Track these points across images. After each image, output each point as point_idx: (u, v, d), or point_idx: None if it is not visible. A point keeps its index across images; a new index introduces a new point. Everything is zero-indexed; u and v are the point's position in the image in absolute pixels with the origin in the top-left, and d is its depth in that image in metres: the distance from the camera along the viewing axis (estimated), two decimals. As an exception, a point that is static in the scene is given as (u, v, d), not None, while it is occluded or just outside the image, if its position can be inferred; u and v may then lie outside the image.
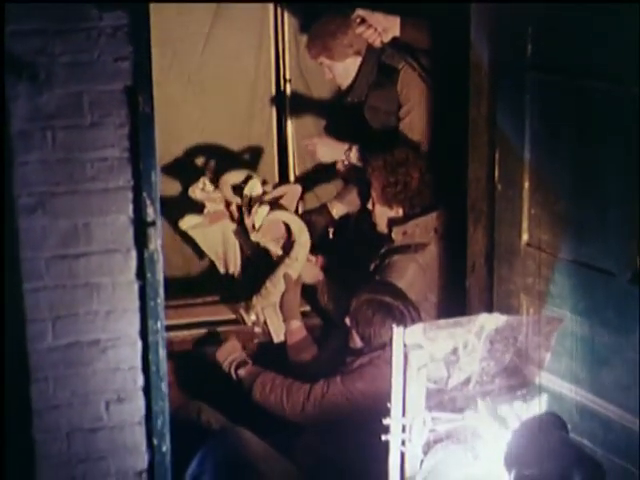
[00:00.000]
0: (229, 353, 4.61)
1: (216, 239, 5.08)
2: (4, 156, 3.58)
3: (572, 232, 3.90)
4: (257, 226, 4.84)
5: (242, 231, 5.01)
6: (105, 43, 3.59)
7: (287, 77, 5.75)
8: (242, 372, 4.52)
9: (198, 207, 5.05)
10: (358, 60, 5.06)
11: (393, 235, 4.81)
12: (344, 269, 5.07)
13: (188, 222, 4.97)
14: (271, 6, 5.66)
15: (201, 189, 4.96)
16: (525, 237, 4.10)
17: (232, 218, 5.03)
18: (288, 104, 5.76)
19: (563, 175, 3.91)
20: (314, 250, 4.96)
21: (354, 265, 5.08)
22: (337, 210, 5.19)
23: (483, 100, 4.21)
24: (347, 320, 4.41)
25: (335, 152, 5.16)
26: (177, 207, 5.14)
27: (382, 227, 4.89)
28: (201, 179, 4.98)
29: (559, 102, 3.89)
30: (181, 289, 5.27)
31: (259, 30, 5.66)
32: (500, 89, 4.14)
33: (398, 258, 4.74)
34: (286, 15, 5.65)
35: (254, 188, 4.95)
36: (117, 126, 3.65)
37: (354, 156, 5.12)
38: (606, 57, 3.66)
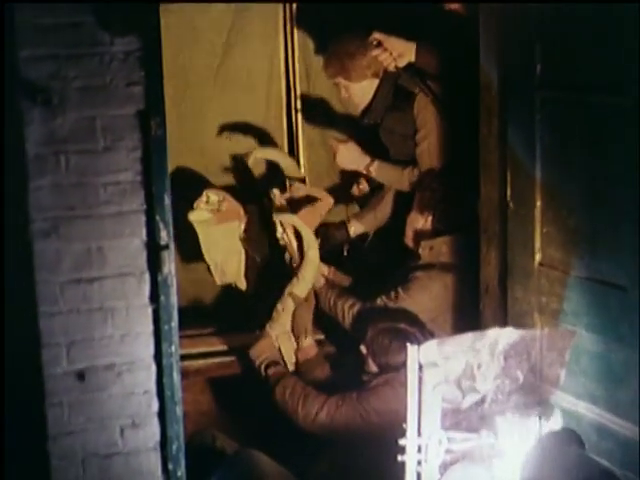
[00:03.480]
0: (262, 352, 4.67)
1: (217, 244, 5.06)
2: (13, 180, 3.61)
3: (585, 249, 3.89)
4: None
5: (250, 236, 5.02)
6: (117, 68, 3.63)
7: (298, 107, 5.78)
8: (271, 371, 4.59)
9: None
10: (375, 82, 5.07)
11: (420, 250, 4.80)
12: (360, 282, 5.06)
13: (197, 215, 4.94)
14: (282, 36, 5.69)
15: (205, 202, 4.96)
16: (538, 256, 4.09)
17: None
18: (299, 133, 5.78)
19: (575, 192, 3.90)
20: (327, 261, 4.98)
21: (373, 278, 5.06)
22: (355, 229, 5.23)
23: (493, 120, 4.21)
24: (363, 348, 4.43)
25: (356, 162, 5.16)
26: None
27: (409, 239, 4.89)
28: (204, 192, 4.98)
29: (569, 119, 3.89)
30: (195, 318, 5.27)
31: (269, 61, 5.70)
32: (510, 108, 4.15)
33: (422, 274, 4.73)
34: (296, 45, 5.69)
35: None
36: (130, 150, 3.69)
37: (375, 170, 5.12)
38: (615, 72, 3.66)
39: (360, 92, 5.10)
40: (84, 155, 3.65)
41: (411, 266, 4.82)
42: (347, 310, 4.77)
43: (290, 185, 5.10)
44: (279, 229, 4.90)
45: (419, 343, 4.14)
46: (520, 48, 4.07)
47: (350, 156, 5.16)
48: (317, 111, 5.74)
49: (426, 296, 4.66)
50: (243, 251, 5.10)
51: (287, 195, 5.05)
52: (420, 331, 4.34)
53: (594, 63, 3.76)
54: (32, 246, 3.63)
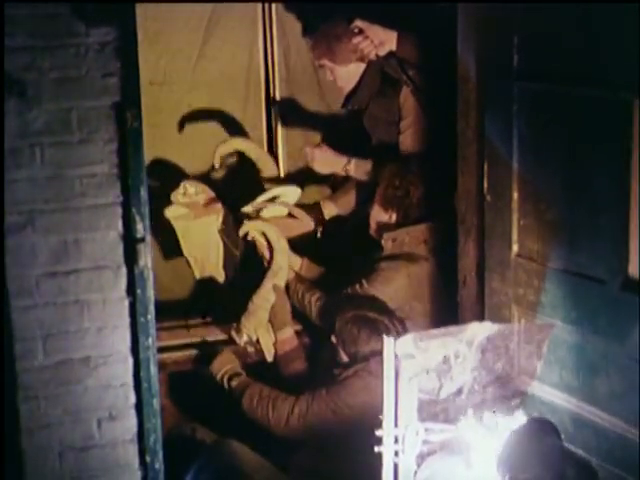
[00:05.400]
0: (223, 365, 4.63)
1: (197, 238, 5.04)
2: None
3: (562, 241, 3.89)
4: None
5: (228, 229, 5.00)
6: (93, 59, 3.61)
7: (277, 99, 5.77)
8: (234, 383, 4.55)
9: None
10: (361, 67, 5.06)
11: (383, 242, 4.81)
12: (329, 272, 5.07)
13: (174, 212, 4.93)
14: (260, 25, 5.68)
15: (183, 194, 4.94)
16: (515, 248, 4.10)
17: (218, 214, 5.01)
18: (279, 122, 5.77)
19: (552, 184, 3.90)
20: (298, 251, 4.98)
21: (340, 269, 5.07)
22: (329, 210, 5.21)
23: (471, 112, 4.22)
24: (333, 338, 4.42)
25: (333, 165, 5.15)
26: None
27: (373, 231, 4.89)
28: (181, 184, 4.95)
29: (546, 111, 3.90)
30: (172, 311, 5.26)
31: (249, 49, 5.69)
32: (488, 100, 4.15)
33: (386, 266, 4.74)
34: (275, 36, 5.68)
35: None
36: (106, 142, 3.66)
37: (353, 169, 5.12)
38: (593, 64, 3.67)
39: (346, 75, 5.09)
40: (60, 147, 3.63)
41: (375, 258, 4.82)
42: (314, 303, 4.77)
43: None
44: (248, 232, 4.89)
45: (388, 331, 4.18)
46: (498, 39, 4.07)
47: (326, 160, 5.15)
48: (294, 107, 5.74)
49: (390, 287, 4.66)
50: (221, 244, 5.08)
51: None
52: (389, 319, 4.34)
53: (572, 54, 3.76)
54: (6, 239, 3.61)
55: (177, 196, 4.92)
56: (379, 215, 4.86)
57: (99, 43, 3.60)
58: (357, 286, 4.72)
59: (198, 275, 5.11)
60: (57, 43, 3.56)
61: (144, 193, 3.71)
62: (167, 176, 5.33)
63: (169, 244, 5.15)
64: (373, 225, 4.90)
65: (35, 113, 3.58)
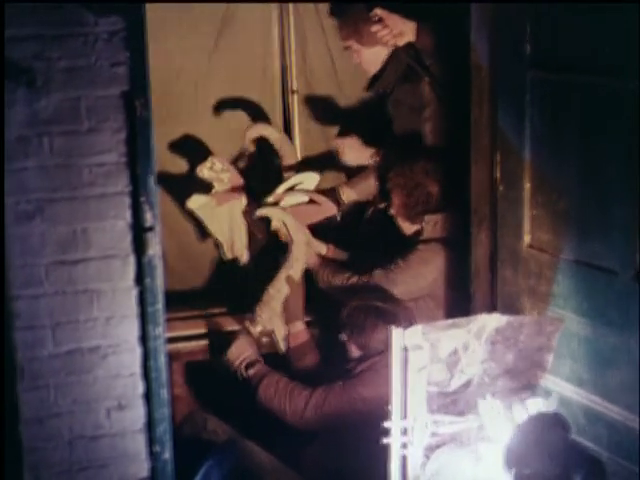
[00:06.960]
0: (240, 352, 4.61)
1: (223, 221, 5.02)
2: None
3: (574, 232, 3.87)
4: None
5: (251, 213, 4.99)
6: (101, 48, 3.61)
7: (294, 88, 5.75)
8: (251, 372, 4.53)
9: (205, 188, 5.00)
10: (387, 50, 5.04)
11: (424, 224, 4.77)
12: (356, 254, 5.05)
13: (196, 202, 4.91)
14: (277, 17, 5.65)
15: (209, 168, 4.91)
16: (527, 238, 4.07)
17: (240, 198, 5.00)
18: (295, 115, 5.75)
19: (564, 175, 3.87)
20: (322, 238, 4.99)
21: (368, 251, 5.05)
22: (347, 195, 5.16)
23: (485, 102, 4.19)
24: (343, 336, 4.40)
25: (361, 156, 5.13)
26: (185, 188, 5.07)
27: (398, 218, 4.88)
28: (209, 158, 4.93)
29: (559, 100, 3.87)
30: (188, 301, 5.27)
31: (265, 42, 5.65)
32: (501, 90, 4.13)
33: (423, 248, 4.71)
34: (292, 26, 5.65)
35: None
36: (114, 131, 3.66)
37: (379, 160, 5.08)
38: (606, 52, 3.63)
39: (372, 58, 5.06)
40: (68, 136, 3.63)
41: (414, 239, 4.79)
42: (343, 283, 4.74)
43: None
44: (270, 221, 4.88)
45: (395, 319, 4.15)
46: (511, 28, 4.03)
47: (355, 150, 5.12)
48: (314, 100, 5.72)
49: (427, 267, 4.65)
50: (245, 225, 5.07)
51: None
52: (395, 307, 4.32)
53: (584, 44, 3.73)
54: (15, 228, 3.61)
55: (203, 169, 4.90)
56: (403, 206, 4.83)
57: (108, 32, 3.60)
58: (392, 265, 4.68)
59: (228, 255, 5.10)
60: (66, 32, 3.57)
61: (153, 182, 3.71)
62: (195, 153, 5.30)
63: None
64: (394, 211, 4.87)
65: (44, 102, 3.59)
